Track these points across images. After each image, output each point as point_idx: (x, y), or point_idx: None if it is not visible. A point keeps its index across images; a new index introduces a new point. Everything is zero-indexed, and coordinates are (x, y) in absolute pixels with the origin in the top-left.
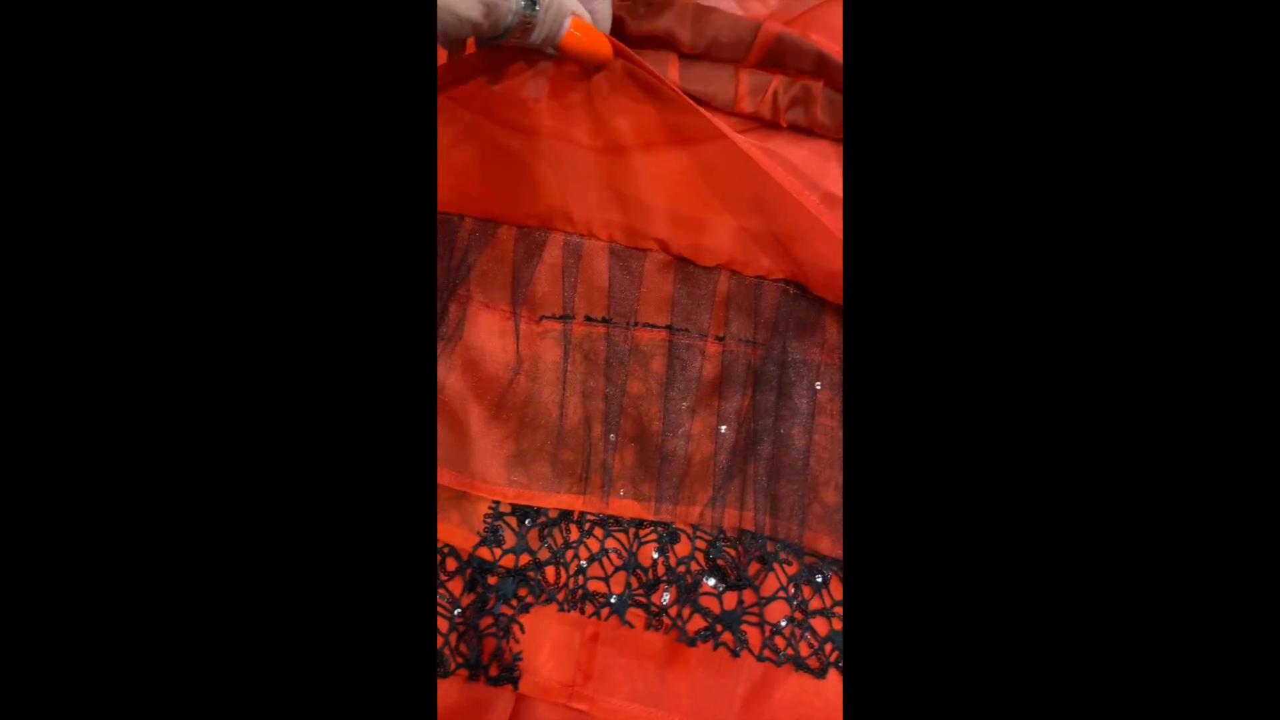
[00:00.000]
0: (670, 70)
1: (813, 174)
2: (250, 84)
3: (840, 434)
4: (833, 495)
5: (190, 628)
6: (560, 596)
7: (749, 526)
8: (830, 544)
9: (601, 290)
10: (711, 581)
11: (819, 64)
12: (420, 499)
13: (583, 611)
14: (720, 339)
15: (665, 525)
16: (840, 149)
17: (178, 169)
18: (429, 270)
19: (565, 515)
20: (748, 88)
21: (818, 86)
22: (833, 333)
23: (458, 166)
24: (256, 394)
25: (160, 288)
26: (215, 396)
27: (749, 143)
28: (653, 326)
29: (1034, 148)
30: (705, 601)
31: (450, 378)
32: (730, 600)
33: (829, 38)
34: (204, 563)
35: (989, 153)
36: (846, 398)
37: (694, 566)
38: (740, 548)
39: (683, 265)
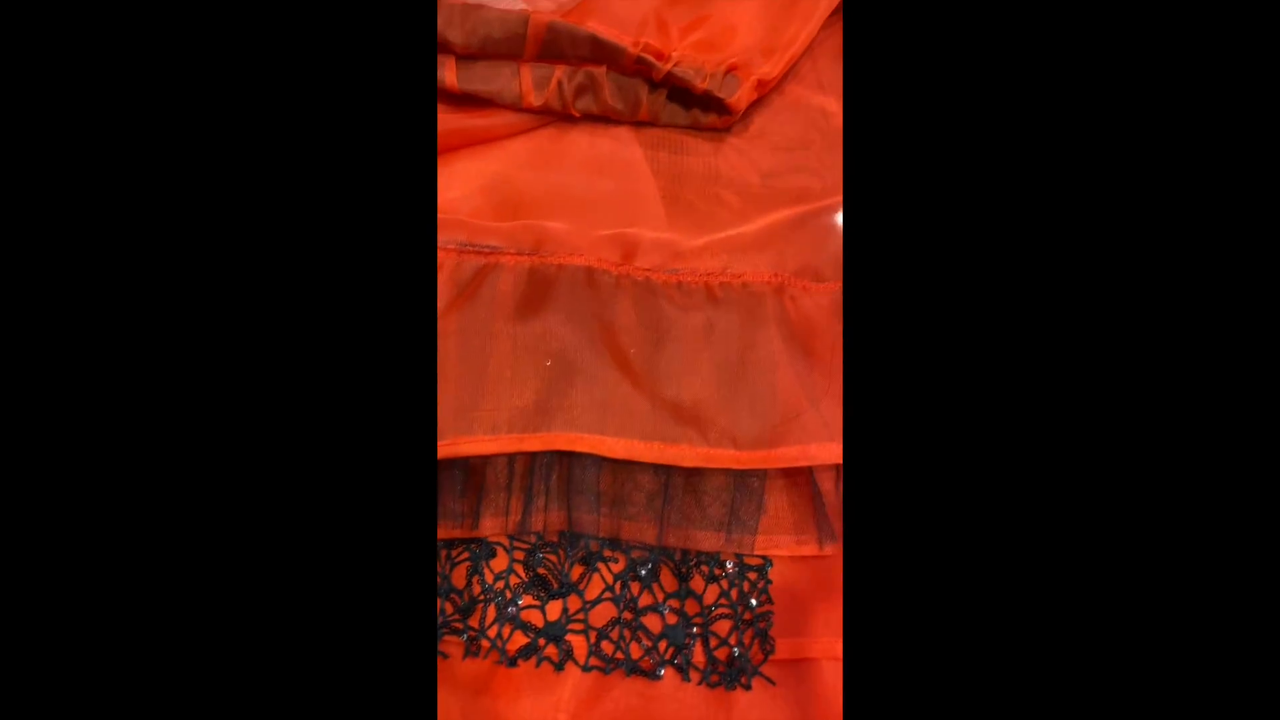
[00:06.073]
0: (447, 73)
1: (619, 167)
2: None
3: None
4: (650, 480)
5: (182, 608)
6: None
7: (565, 527)
8: (655, 533)
9: None
10: (534, 594)
11: (595, 49)
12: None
13: None
14: None
15: (479, 541)
16: (640, 134)
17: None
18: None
19: None
20: (532, 81)
21: (600, 72)
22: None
23: None
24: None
25: (151, 261)
26: (202, 369)
27: None
28: None
29: (1031, 145)
30: (526, 616)
31: None
32: (554, 610)
33: (606, 23)
34: (190, 542)
35: (988, 151)
36: (847, 398)
37: (513, 580)
38: (561, 551)
39: None
